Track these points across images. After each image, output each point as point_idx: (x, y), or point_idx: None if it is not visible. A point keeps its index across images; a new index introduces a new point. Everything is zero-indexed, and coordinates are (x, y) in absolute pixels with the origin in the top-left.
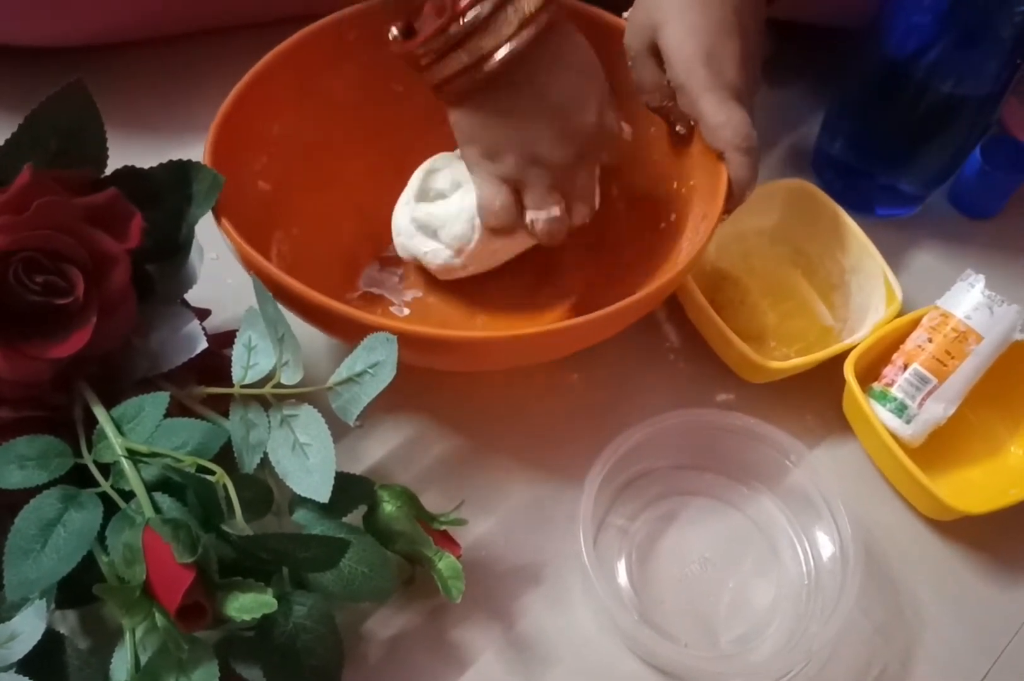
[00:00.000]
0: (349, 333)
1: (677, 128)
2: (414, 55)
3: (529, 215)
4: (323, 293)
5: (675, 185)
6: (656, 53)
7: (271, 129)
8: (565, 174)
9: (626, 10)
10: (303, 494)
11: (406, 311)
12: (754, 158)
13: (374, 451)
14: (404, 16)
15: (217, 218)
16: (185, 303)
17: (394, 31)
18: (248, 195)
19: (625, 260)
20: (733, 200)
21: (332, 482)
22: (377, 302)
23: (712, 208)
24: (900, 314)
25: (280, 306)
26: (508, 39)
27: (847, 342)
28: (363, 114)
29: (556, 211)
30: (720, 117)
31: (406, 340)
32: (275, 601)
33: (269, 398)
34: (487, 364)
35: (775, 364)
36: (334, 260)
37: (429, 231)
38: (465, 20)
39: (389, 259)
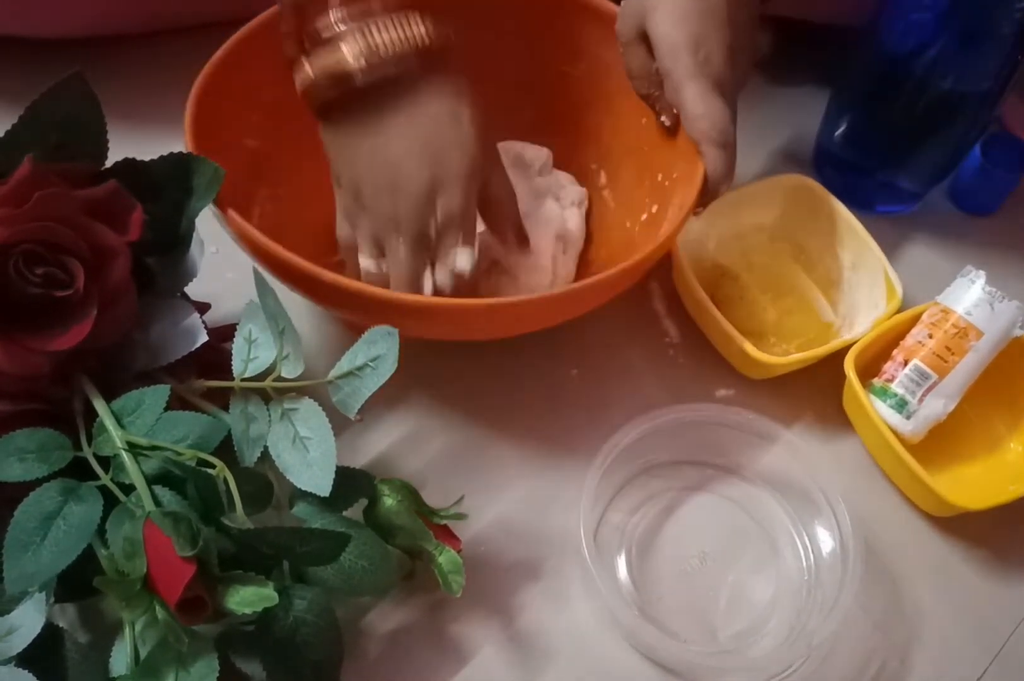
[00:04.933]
0: (330, 298)
1: (662, 119)
2: (307, 31)
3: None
4: (304, 256)
5: (659, 177)
6: (646, 40)
7: (262, 87)
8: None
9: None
10: (303, 488)
11: None
12: (729, 153)
13: (374, 445)
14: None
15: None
16: (185, 296)
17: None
18: (232, 151)
19: (608, 250)
20: (707, 194)
21: (333, 476)
22: None
23: (687, 199)
24: (900, 310)
25: (277, 296)
26: (402, 40)
27: (847, 338)
28: None
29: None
30: (699, 108)
31: (384, 306)
32: (276, 595)
33: (269, 392)
34: (468, 333)
35: (775, 360)
36: (318, 223)
37: None
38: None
39: None
